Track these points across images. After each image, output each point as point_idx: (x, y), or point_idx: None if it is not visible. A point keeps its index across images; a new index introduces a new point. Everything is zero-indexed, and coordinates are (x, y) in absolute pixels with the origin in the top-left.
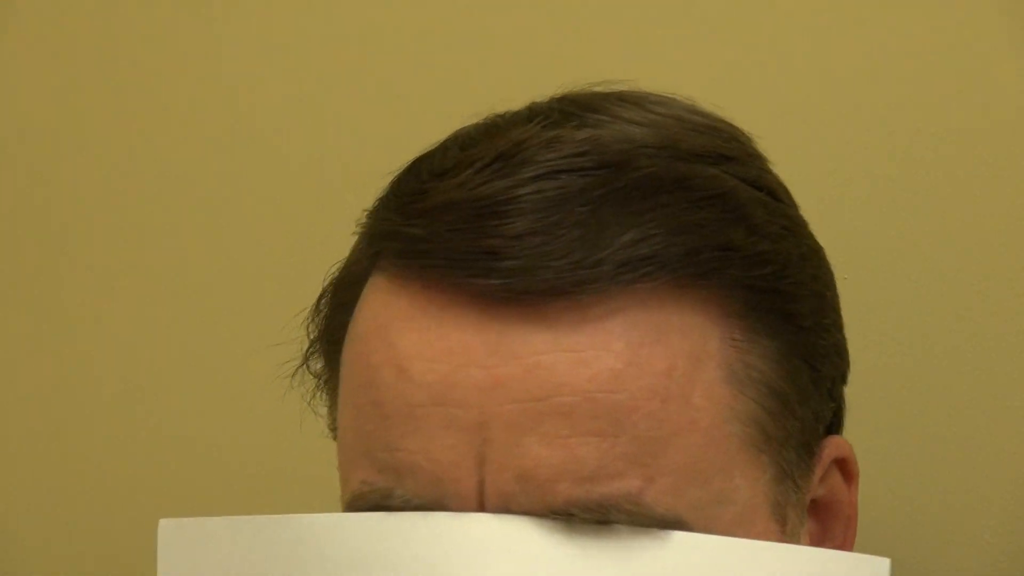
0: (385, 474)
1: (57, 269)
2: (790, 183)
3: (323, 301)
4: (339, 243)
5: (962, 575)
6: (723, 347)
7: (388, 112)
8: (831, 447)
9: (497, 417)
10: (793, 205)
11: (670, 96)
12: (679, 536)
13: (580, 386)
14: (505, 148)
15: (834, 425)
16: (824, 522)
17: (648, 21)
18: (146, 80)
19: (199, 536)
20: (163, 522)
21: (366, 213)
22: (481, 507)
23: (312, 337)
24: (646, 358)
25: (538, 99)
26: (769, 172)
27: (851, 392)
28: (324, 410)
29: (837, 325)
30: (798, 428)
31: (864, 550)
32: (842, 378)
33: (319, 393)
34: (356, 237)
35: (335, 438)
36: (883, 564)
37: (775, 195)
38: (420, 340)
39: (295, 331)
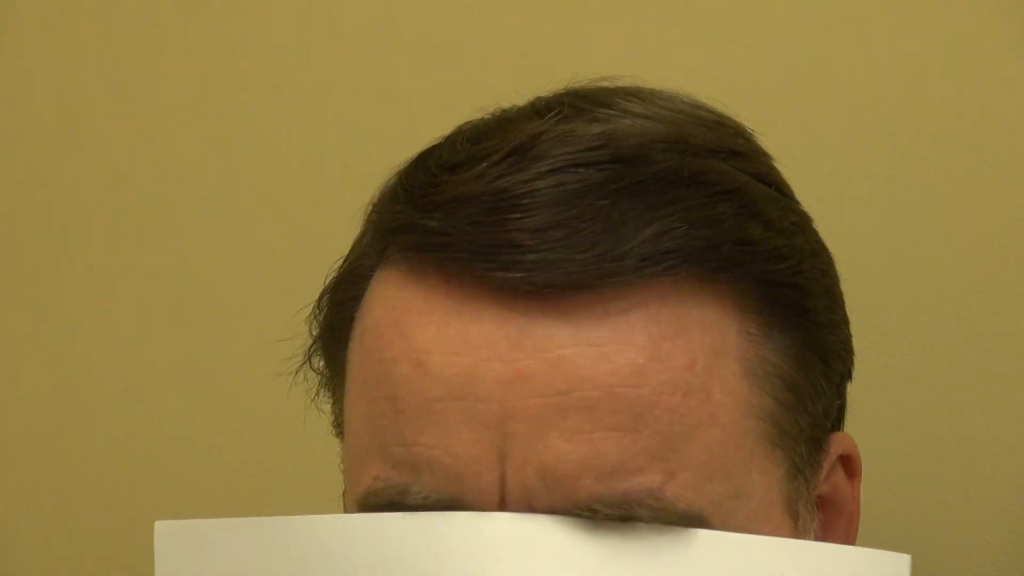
0: (400, 470)
1: (57, 269)
2: (790, 183)
3: (325, 298)
4: (340, 241)
5: (963, 574)
6: (740, 342)
7: (388, 111)
8: (837, 443)
9: (520, 411)
10: (797, 202)
11: (672, 91)
12: (702, 534)
13: (602, 380)
14: (519, 142)
15: (837, 422)
16: (827, 518)
17: (648, 20)
18: (146, 80)
19: (197, 538)
20: (159, 524)
21: (369, 206)
22: (502, 502)
23: (315, 335)
24: (667, 352)
25: (540, 95)
26: (775, 168)
27: (851, 391)
28: (328, 407)
29: (845, 321)
30: (809, 423)
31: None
32: (848, 374)
33: (322, 391)
34: (358, 233)
35: (338, 435)
36: (903, 560)
37: (783, 191)
38: (438, 334)
39: (295, 330)
